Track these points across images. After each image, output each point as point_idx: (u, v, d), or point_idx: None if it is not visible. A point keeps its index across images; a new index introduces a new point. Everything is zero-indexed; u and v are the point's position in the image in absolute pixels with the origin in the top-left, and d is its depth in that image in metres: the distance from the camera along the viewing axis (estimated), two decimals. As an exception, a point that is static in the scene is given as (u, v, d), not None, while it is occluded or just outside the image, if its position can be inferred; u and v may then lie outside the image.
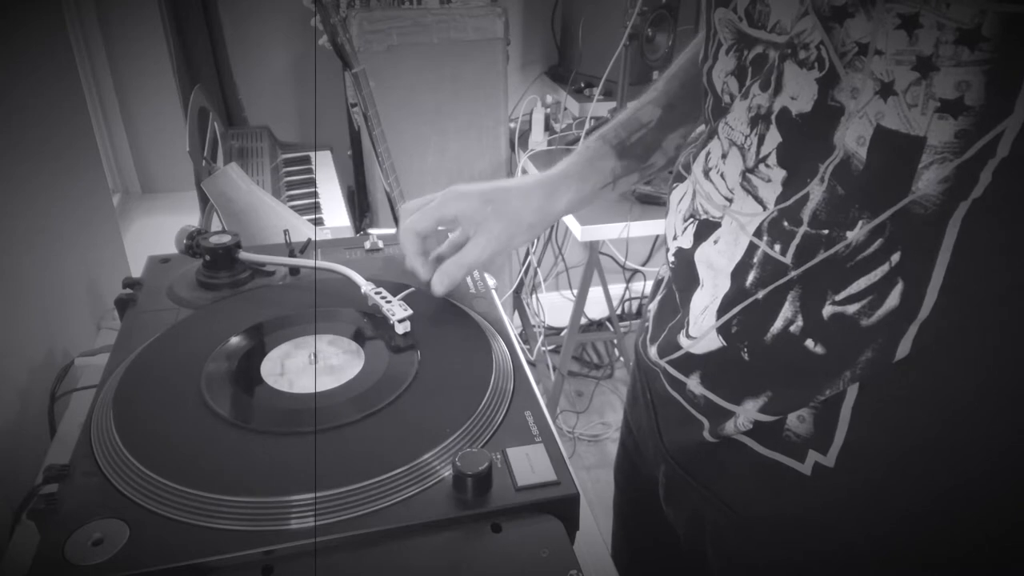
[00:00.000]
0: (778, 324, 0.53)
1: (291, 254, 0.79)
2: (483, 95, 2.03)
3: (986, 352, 0.48)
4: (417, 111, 1.99)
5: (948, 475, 0.51)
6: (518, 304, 2.55)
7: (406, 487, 0.50)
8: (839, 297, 0.49)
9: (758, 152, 0.52)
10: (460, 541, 0.47)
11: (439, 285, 0.70)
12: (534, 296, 2.57)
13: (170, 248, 0.79)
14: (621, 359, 2.55)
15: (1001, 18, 0.38)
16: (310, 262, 0.77)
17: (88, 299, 1.02)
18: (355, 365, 0.62)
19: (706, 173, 0.58)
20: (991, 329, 0.47)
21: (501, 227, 0.70)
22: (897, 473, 0.52)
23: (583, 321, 2.48)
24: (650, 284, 2.59)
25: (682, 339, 0.60)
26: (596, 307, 2.52)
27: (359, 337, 0.66)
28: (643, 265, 2.67)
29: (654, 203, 1.80)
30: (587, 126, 2.02)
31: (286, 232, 0.82)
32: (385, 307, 0.66)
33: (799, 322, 0.52)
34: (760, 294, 0.53)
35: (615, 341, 2.57)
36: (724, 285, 0.56)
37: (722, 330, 0.56)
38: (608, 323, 2.59)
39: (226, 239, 0.76)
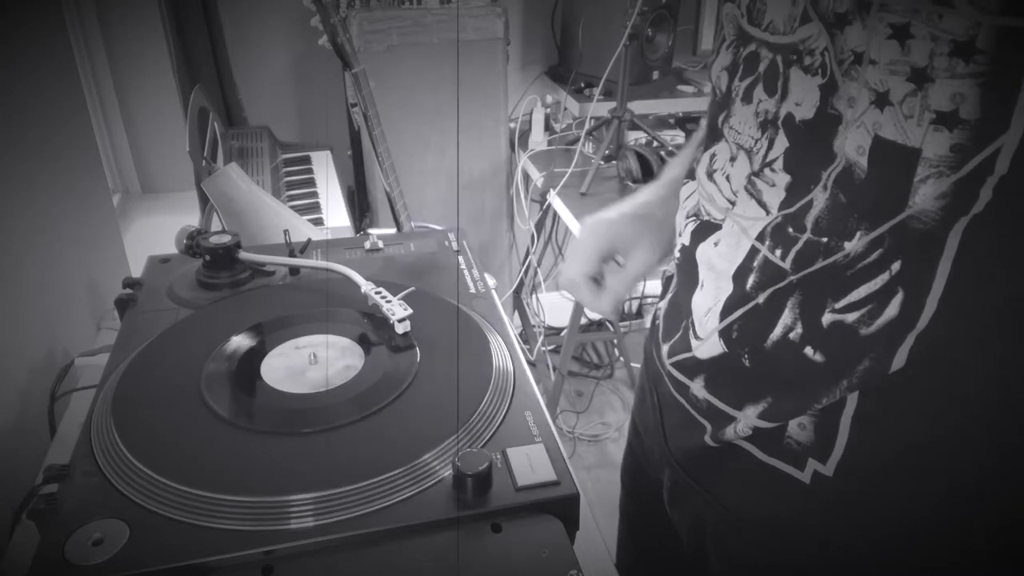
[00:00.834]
0: (778, 331, 0.53)
1: (291, 254, 0.79)
2: (483, 95, 2.03)
3: (984, 363, 0.48)
4: (417, 111, 1.99)
5: (947, 483, 0.51)
6: (518, 304, 2.55)
7: (406, 487, 0.50)
8: (839, 305, 0.49)
9: (765, 156, 0.52)
10: (460, 541, 0.47)
11: (610, 306, 0.72)
12: (534, 296, 2.57)
13: (170, 248, 0.79)
14: (621, 359, 2.55)
15: (996, 31, 0.38)
16: (310, 262, 0.77)
17: (88, 299, 1.02)
18: (355, 365, 0.62)
19: (710, 175, 0.58)
20: (989, 340, 0.47)
21: (656, 238, 0.70)
22: (895, 483, 0.52)
23: (583, 321, 2.48)
24: (650, 284, 2.59)
25: (691, 339, 0.60)
26: (596, 307, 2.51)
27: (359, 337, 0.66)
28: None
29: (654, 203, 1.80)
30: (587, 126, 2.02)
31: (286, 232, 0.82)
32: (385, 307, 0.66)
33: (799, 329, 0.51)
34: (760, 298, 0.53)
35: (615, 341, 2.57)
36: (726, 287, 0.56)
37: (723, 334, 0.56)
38: (608, 323, 2.59)
39: (226, 239, 0.76)
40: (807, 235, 0.50)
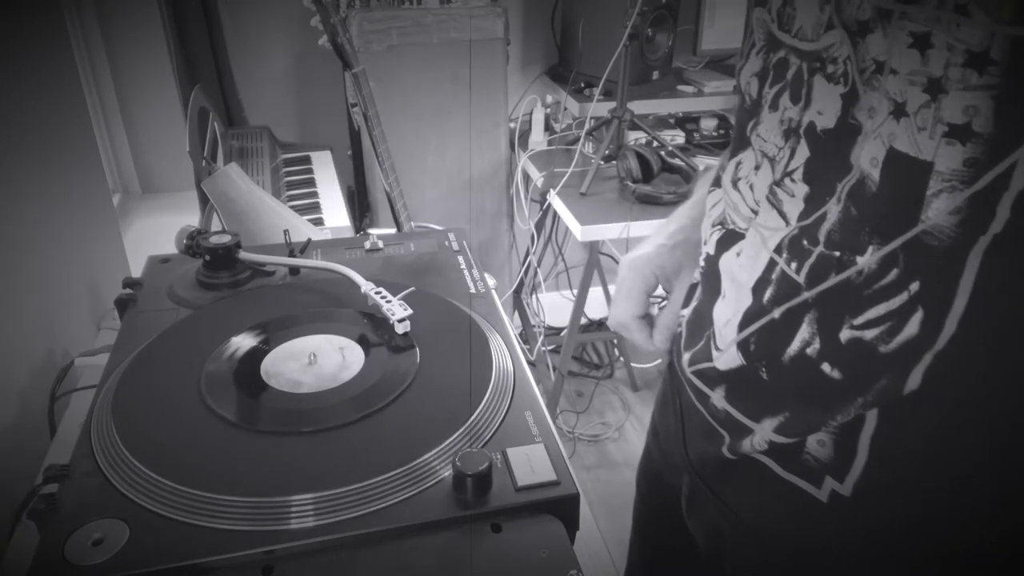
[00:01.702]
0: (795, 345, 0.52)
1: (291, 254, 0.79)
2: (483, 95, 2.03)
3: (1002, 384, 0.46)
4: (417, 111, 1.99)
5: (965, 506, 0.50)
6: (518, 304, 2.55)
7: (406, 487, 0.50)
8: (857, 322, 0.48)
9: (787, 166, 0.51)
10: (460, 541, 0.47)
11: (663, 341, 0.71)
12: (534, 296, 2.57)
13: (170, 248, 0.79)
14: (621, 359, 2.55)
15: (1010, 41, 0.37)
16: (310, 262, 0.77)
17: (88, 299, 1.02)
18: (355, 365, 0.62)
19: (735, 183, 0.58)
20: (1007, 361, 0.46)
21: (697, 262, 0.69)
22: (913, 504, 0.51)
23: (583, 321, 2.48)
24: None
25: (712, 349, 0.60)
26: (596, 307, 2.51)
27: (359, 337, 0.66)
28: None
29: (654, 203, 1.80)
30: (587, 126, 2.02)
31: (286, 232, 0.82)
32: (385, 307, 0.66)
33: (816, 344, 0.51)
34: (776, 313, 0.53)
35: (615, 341, 2.57)
36: (745, 299, 0.55)
37: (742, 346, 0.56)
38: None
39: (226, 239, 0.76)
40: (820, 248, 0.49)
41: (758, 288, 0.54)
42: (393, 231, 0.86)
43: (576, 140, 2.10)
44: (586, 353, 2.65)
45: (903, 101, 0.42)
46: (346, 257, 0.81)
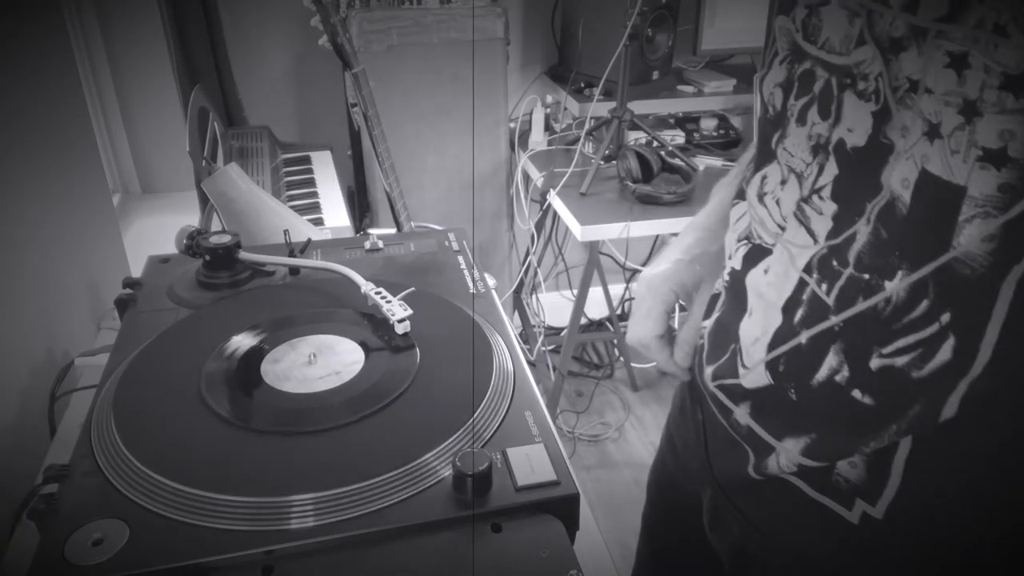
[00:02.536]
0: (823, 371, 0.51)
1: (291, 254, 0.79)
2: (483, 95, 2.03)
3: None
4: (417, 111, 1.99)
5: (999, 532, 0.50)
6: (518, 304, 2.55)
7: (406, 487, 0.50)
8: (886, 351, 0.47)
9: (815, 182, 0.50)
10: (460, 541, 0.47)
11: (684, 359, 0.70)
12: (534, 296, 2.57)
13: (170, 248, 0.79)
14: (621, 359, 2.55)
15: None
16: (310, 262, 0.77)
17: (88, 299, 1.02)
18: (355, 365, 0.62)
19: (760, 197, 0.57)
20: None
21: (717, 274, 0.68)
22: (947, 529, 0.51)
23: (583, 321, 2.48)
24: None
25: (739, 367, 0.59)
26: (596, 307, 2.51)
27: (359, 337, 0.66)
28: (643, 265, 2.67)
29: (654, 203, 1.80)
30: (587, 126, 2.02)
31: (286, 232, 0.82)
32: (385, 307, 0.66)
33: (844, 372, 0.50)
34: (804, 337, 0.52)
35: (615, 341, 2.57)
36: (775, 319, 0.54)
37: (770, 366, 0.55)
38: (608, 323, 2.59)
39: (226, 239, 0.76)
40: (850, 270, 0.48)
41: (788, 308, 0.53)
42: (393, 231, 0.86)
43: (576, 140, 2.10)
44: (586, 353, 2.65)
45: (938, 122, 0.41)
46: (346, 257, 0.81)
